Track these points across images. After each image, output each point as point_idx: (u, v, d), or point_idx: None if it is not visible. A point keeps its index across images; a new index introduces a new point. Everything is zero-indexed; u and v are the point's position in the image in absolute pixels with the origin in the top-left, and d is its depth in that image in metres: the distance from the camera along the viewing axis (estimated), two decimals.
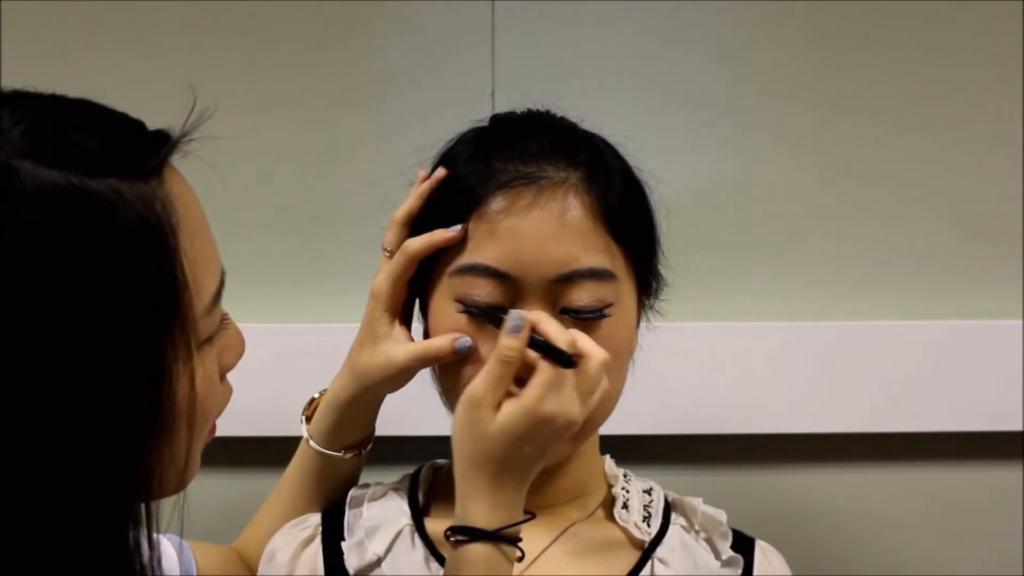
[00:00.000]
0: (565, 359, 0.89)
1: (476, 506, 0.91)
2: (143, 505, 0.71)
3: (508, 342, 0.90)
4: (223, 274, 0.76)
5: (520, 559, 0.92)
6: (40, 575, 0.67)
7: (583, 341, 0.92)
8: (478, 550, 0.90)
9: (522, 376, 0.91)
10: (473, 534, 0.90)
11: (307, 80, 1.33)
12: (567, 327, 0.96)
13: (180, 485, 0.75)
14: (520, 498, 0.92)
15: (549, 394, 0.89)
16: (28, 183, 0.65)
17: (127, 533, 0.69)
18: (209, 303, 0.73)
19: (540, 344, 0.90)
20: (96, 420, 0.67)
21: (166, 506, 0.75)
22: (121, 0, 1.31)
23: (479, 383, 0.90)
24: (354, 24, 1.32)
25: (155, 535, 0.72)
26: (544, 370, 0.89)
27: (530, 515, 0.93)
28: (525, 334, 0.90)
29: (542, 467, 0.93)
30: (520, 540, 0.92)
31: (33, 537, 0.67)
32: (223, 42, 1.32)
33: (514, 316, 0.91)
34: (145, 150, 0.70)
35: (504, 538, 0.90)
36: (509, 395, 0.90)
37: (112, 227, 0.66)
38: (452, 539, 0.91)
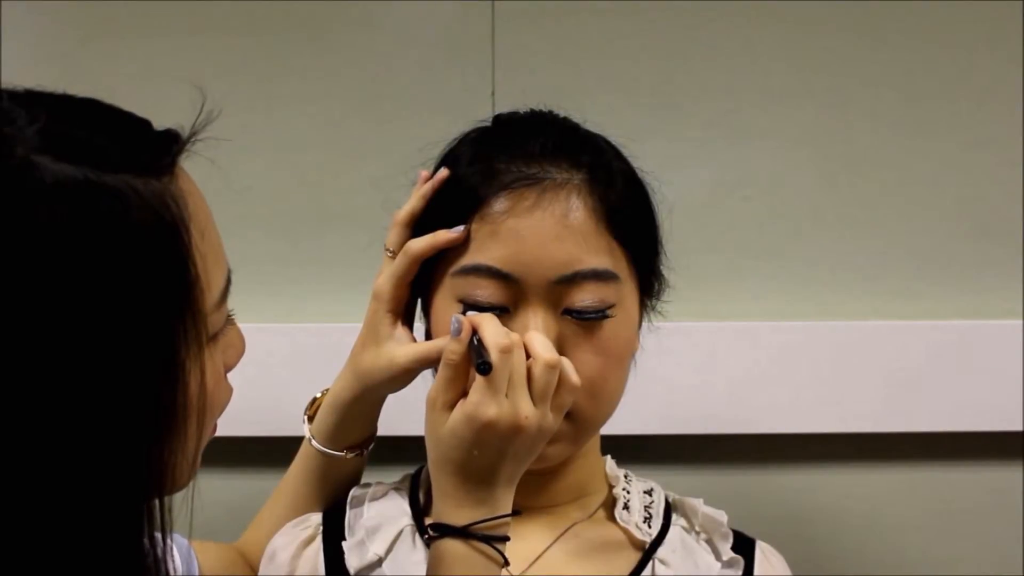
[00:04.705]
0: (478, 364, 0.88)
1: (443, 504, 0.91)
2: (157, 502, 0.71)
3: (450, 345, 0.91)
4: (229, 272, 0.77)
5: (506, 563, 0.91)
6: (56, 573, 0.67)
7: (534, 343, 0.92)
8: (451, 547, 0.90)
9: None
10: (442, 530, 0.91)
11: (307, 80, 1.33)
12: (569, 328, 0.96)
13: (187, 482, 0.76)
14: (492, 499, 0.91)
15: (486, 398, 0.88)
16: (48, 178, 0.65)
17: (142, 530, 0.70)
18: (217, 299, 0.74)
19: (474, 348, 0.90)
20: (113, 414, 0.67)
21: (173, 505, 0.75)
22: (123, 0, 1.31)
23: (433, 385, 0.92)
24: (354, 24, 1.32)
25: (168, 533, 0.72)
26: (480, 375, 0.89)
27: (512, 512, 0.92)
28: (465, 336, 0.91)
29: (519, 469, 0.92)
30: (501, 540, 0.91)
31: (49, 535, 0.67)
32: (222, 42, 1.32)
33: (455, 320, 0.92)
34: (156, 148, 0.71)
35: (474, 535, 0.90)
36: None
37: (128, 221, 0.67)
38: (425, 536, 0.92)
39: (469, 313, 0.95)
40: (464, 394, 0.91)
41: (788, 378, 1.32)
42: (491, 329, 0.90)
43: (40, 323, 0.65)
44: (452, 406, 0.91)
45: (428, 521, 0.95)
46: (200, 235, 0.71)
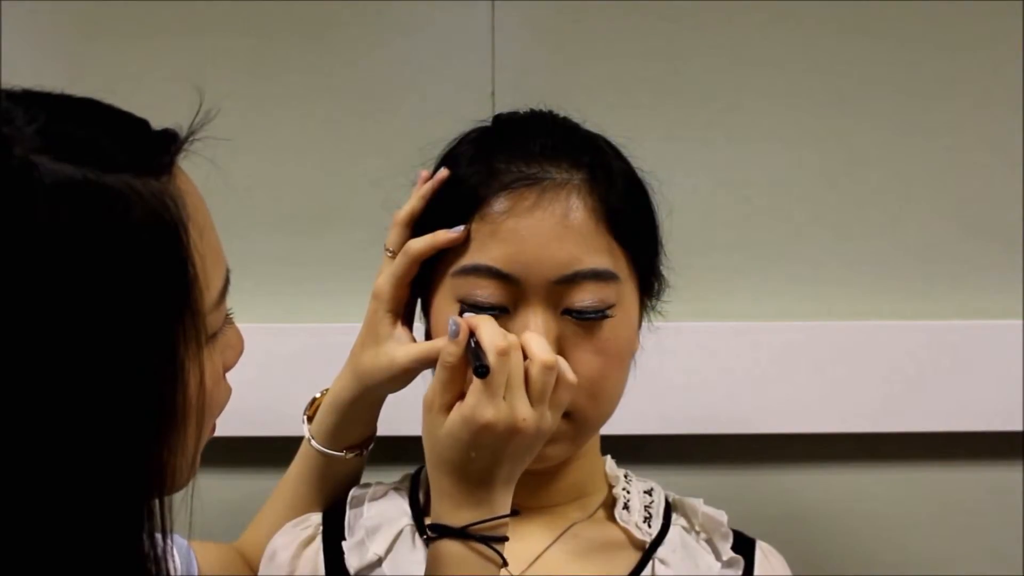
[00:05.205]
0: (475, 367, 0.88)
1: (441, 505, 0.91)
2: (157, 502, 0.71)
3: (448, 347, 0.91)
4: (228, 272, 0.77)
5: (504, 564, 0.91)
6: (56, 573, 0.67)
7: (531, 344, 0.91)
8: (449, 547, 0.90)
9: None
10: (440, 531, 0.91)
11: (307, 80, 1.32)
12: (569, 328, 0.96)
13: (186, 481, 0.76)
14: (492, 499, 0.91)
15: (484, 401, 0.88)
16: (47, 178, 0.65)
17: (142, 530, 0.70)
18: (216, 299, 0.74)
19: (472, 350, 0.90)
20: (112, 413, 0.67)
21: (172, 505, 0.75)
22: (123, 0, 1.31)
23: (430, 387, 0.92)
24: (354, 24, 1.32)
25: (168, 533, 0.72)
26: (478, 378, 0.89)
27: (512, 512, 0.92)
28: (462, 338, 0.91)
29: (517, 470, 0.92)
30: (499, 540, 0.91)
31: (49, 534, 0.67)
32: (222, 42, 1.32)
33: (452, 322, 0.92)
34: (155, 148, 0.71)
35: (472, 536, 0.90)
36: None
37: (127, 221, 0.67)
38: (424, 537, 0.92)
39: (467, 315, 0.94)
40: (461, 396, 0.91)
41: (788, 378, 1.32)
42: (488, 331, 0.90)
43: (39, 323, 0.65)
44: (449, 408, 0.90)
45: (427, 521, 0.95)
46: (199, 235, 0.71)
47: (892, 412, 1.33)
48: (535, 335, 0.92)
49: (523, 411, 0.89)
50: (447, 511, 0.91)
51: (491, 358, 0.88)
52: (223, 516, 1.17)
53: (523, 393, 0.90)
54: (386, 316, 1.02)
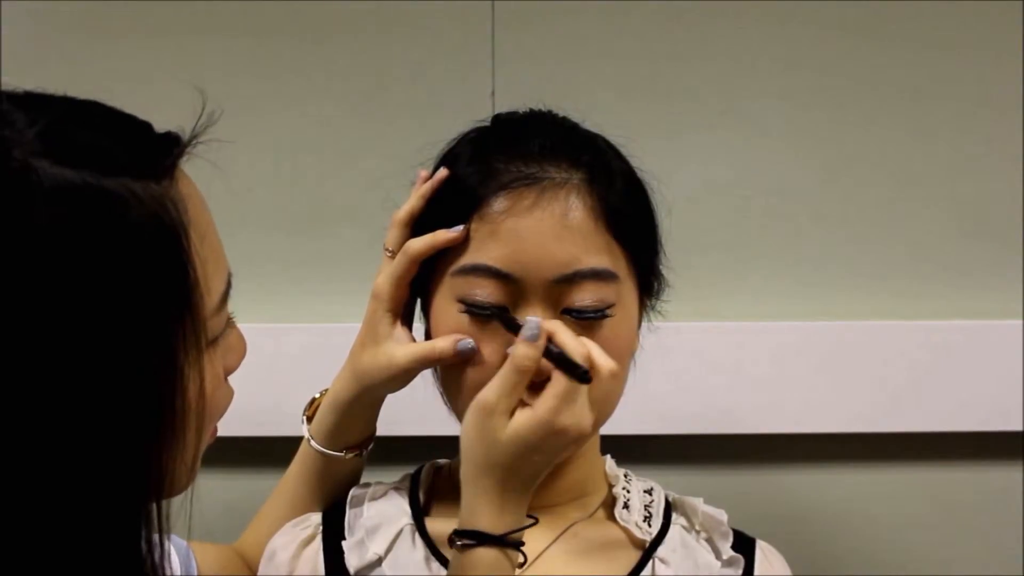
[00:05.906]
0: (581, 374, 0.89)
1: (484, 511, 0.91)
2: (155, 505, 0.71)
3: (525, 351, 0.90)
4: (230, 275, 0.76)
5: (522, 564, 0.92)
6: (54, 574, 0.67)
7: (595, 352, 0.92)
8: (484, 554, 0.90)
9: (534, 380, 0.91)
10: (480, 538, 0.90)
11: (307, 80, 1.33)
12: (569, 327, 0.96)
13: (186, 485, 0.76)
14: (524, 503, 0.92)
15: (564, 406, 0.89)
16: (46, 182, 0.65)
17: (140, 533, 0.70)
18: (217, 303, 0.74)
19: (556, 356, 0.90)
20: (111, 418, 0.67)
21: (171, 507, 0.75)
22: (123, 0, 1.31)
23: (492, 390, 0.91)
24: (354, 24, 1.32)
25: (166, 536, 0.72)
26: (560, 382, 0.89)
27: (533, 519, 0.93)
28: (542, 343, 0.91)
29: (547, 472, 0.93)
30: (523, 544, 0.92)
31: (47, 537, 0.67)
32: (222, 42, 1.32)
33: (531, 324, 0.91)
34: (157, 151, 0.71)
35: (510, 543, 0.91)
36: (522, 403, 0.91)
37: (127, 225, 0.67)
38: (459, 543, 0.91)
39: (530, 318, 0.93)
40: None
41: (788, 378, 1.32)
42: (570, 337, 0.91)
43: (38, 327, 0.65)
44: (513, 411, 0.90)
45: (446, 523, 0.95)
46: (200, 239, 0.71)
47: (892, 412, 1.33)
48: (593, 343, 0.93)
49: (589, 417, 0.91)
50: (486, 516, 0.91)
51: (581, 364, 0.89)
52: (223, 516, 1.17)
53: (587, 399, 0.91)
54: (385, 316, 1.02)
